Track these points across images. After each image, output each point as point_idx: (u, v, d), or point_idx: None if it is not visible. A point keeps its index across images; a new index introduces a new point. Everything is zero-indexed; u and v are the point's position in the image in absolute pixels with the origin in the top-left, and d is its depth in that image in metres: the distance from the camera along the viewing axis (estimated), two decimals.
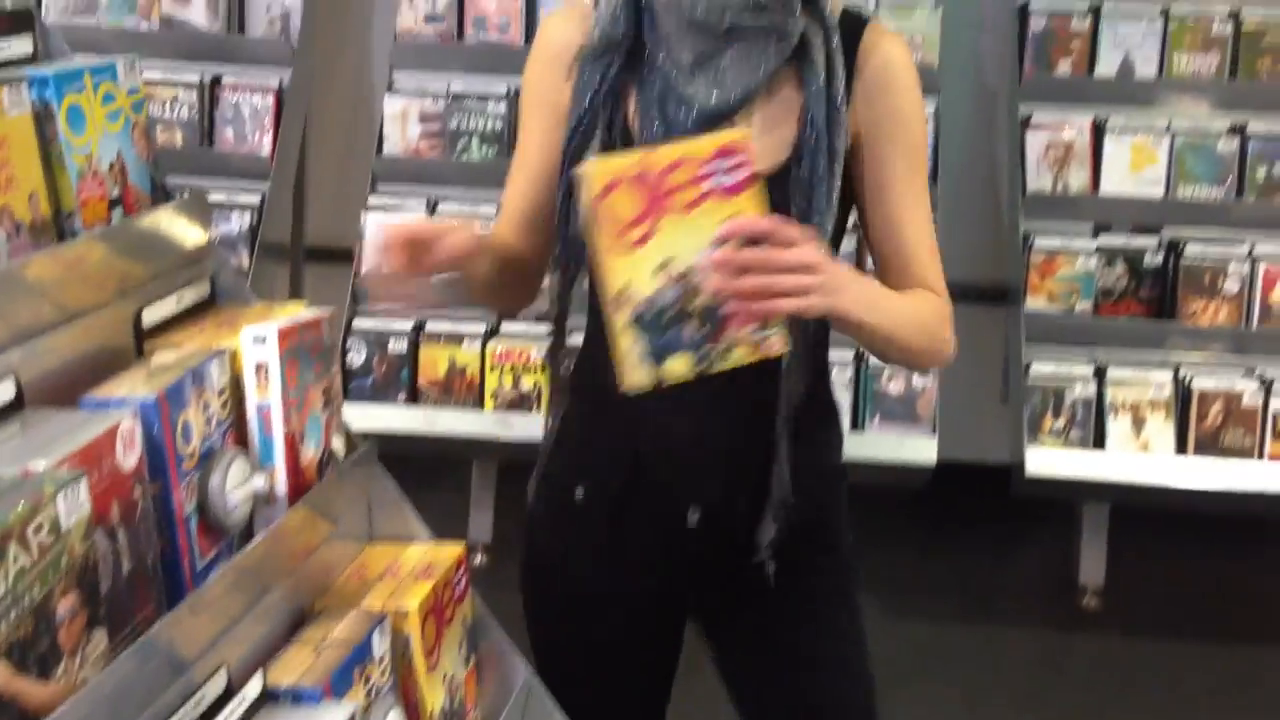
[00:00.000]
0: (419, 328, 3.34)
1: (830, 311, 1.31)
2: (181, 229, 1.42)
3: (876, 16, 1.51)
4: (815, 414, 1.55)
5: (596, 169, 1.23)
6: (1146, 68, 3.50)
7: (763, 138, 1.39)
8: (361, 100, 3.76)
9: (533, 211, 1.55)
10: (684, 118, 1.42)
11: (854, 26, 1.48)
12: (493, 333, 3.35)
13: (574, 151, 1.46)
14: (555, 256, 1.52)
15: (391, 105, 3.51)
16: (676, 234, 1.24)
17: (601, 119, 1.46)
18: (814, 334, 1.48)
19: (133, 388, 1.12)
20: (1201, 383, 3.28)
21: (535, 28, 3.49)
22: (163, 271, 1.37)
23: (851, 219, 1.55)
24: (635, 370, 1.28)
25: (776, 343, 1.29)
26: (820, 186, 1.42)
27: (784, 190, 1.42)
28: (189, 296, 1.41)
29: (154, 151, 1.46)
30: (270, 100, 3.49)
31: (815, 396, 1.54)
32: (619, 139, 1.46)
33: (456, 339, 3.32)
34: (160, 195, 1.46)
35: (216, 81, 3.51)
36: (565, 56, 1.49)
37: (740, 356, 1.28)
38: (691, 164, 1.23)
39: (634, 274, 1.26)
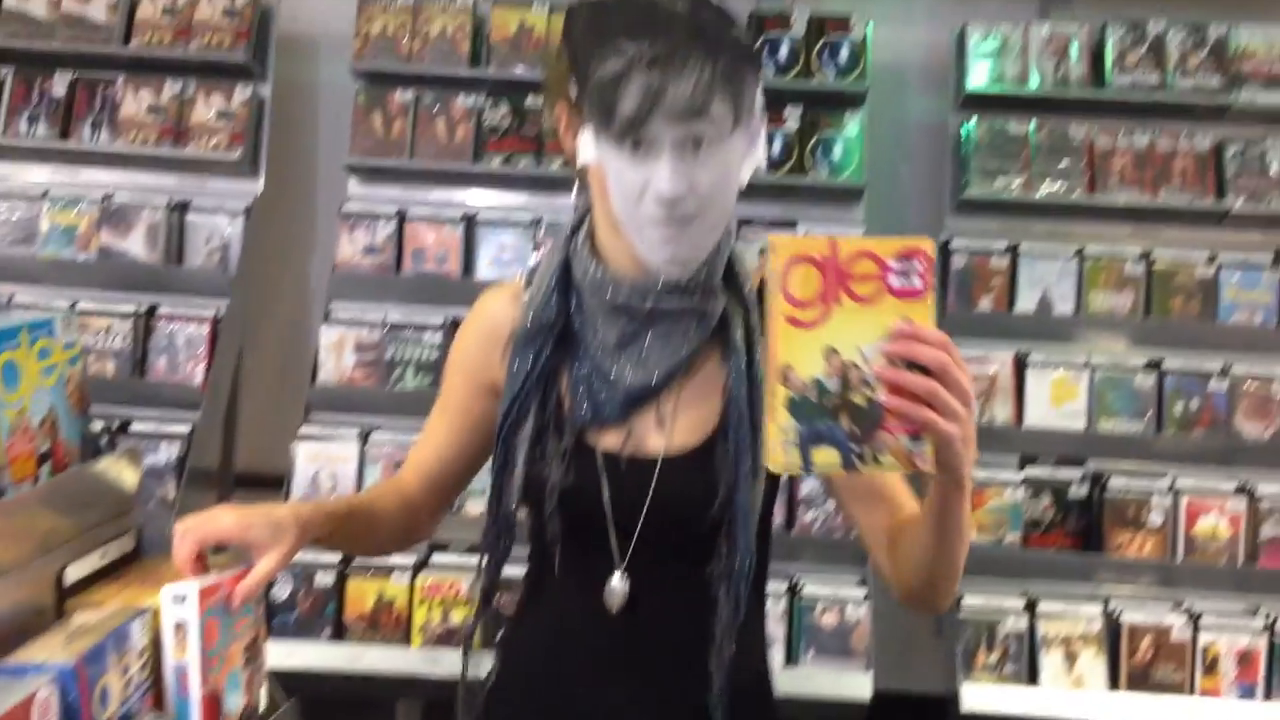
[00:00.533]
0: (347, 559, 3.32)
1: (962, 456, 1.25)
2: (110, 484, 1.45)
3: None
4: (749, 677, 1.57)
5: (786, 241, 1.24)
6: (1064, 305, 3.65)
7: (687, 413, 1.47)
8: (297, 329, 3.84)
9: (440, 471, 1.62)
10: (608, 398, 1.48)
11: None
12: (422, 565, 3.36)
13: (507, 432, 1.51)
14: (486, 533, 1.57)
15: (327, 335, 3.57)
16: (848, 324, 1.23)
17: (535, 399, 1.51)
18: (746, 615, 1.49)
19: (51, 653, 1.13)
20: (1131, 616, 3.34)
21: (474, 260, 3.65)
22: (89, 526, 1.39)
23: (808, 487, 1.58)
24: (783, 452, 1.27)
25: (928, 459, 1.26)
26: (745, 460, 1.46)
27: (710, 465, 1.47)
28: (114, 550, 1.43)
29: (87, 404, 1.49)
30: (205, 330, 3.55)
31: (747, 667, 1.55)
32: (552, 419, 1.51)
33: (385, 571, 3.32)
34: (90, 447, 1.49)
35: (152, 311, 3.58)
36: (499, 334, 1.56)
37: (889, 464, 1.26)
38: (876, 258, 1.23)
39: (801, 354, 1.26)
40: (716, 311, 1.49)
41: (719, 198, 1.41)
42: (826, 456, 1.26)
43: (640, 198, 1.39)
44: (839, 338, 1.23)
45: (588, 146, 1.42)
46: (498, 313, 1.58)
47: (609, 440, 1.49)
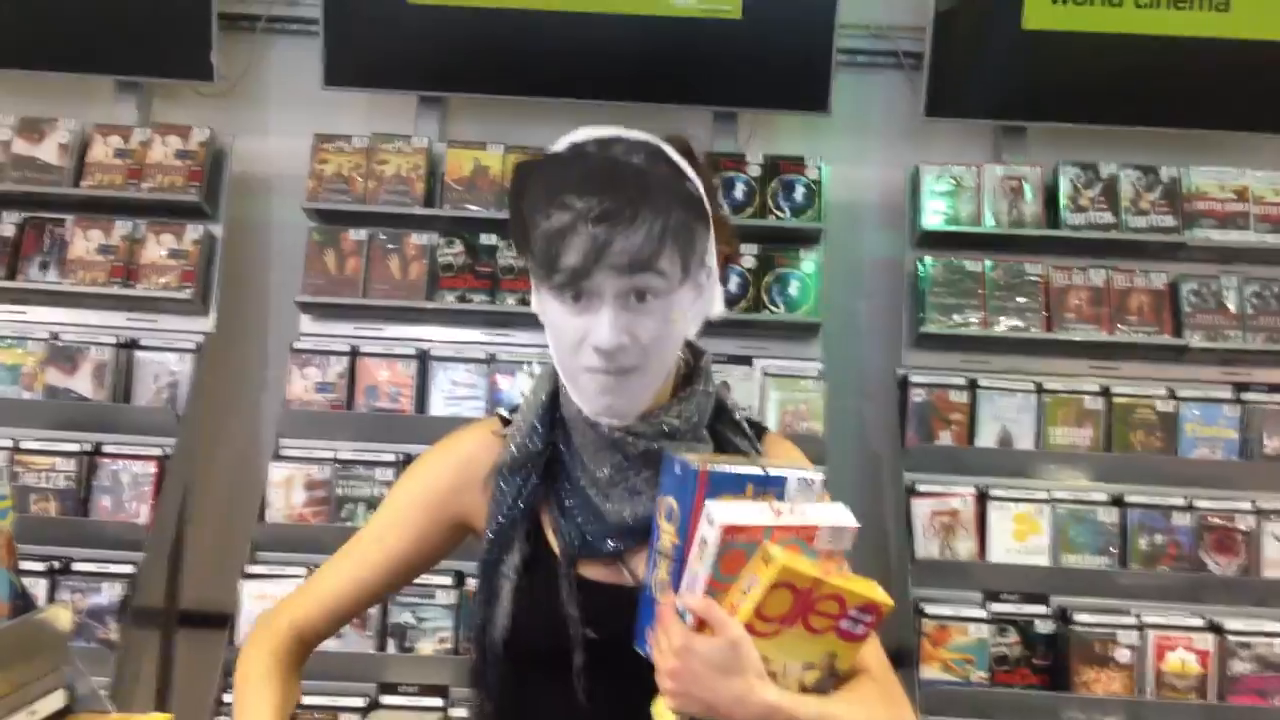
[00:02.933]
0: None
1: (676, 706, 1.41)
2: (42, 641, 1.50)
3: (769, 432, 1.68)
4: None
5: (788, 561, 1.36)
6: (1025, 439, 3.81)
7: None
8: (246, 466, 3.95)
9: (354, 603, 1.68)
10: (600, 532, 1.56)
11: (756, 434, 1.67)
12: (373, 706, 3.43)
13: (491, 564, 1.60)
14: (476, 669, 1.63)
15: (276, 472, 3.68)
16: (792, 644, 1.40)
17: (522, 529, 1.58)
18: None
19: None
20: None
21: (427, 396, 3.78)
22: (20, 684, 1.45)
23: None
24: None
25: None
26: None
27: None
28: (43, 709, 1.48)
29: (15, 561, 1.57)
30: (152, 468, 3.66)
31: None
32: (533, 550, 1.60)
33: (332, 713, 3.39)
34: (22, 603, 1.56)
35: (97, 449, 3.69)
36: (475, 469, 1.62)
37: None
38: (842, 602, 1.39)
39: None
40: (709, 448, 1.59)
41: (660, 349, 1.50)
42: None
43: (579, 347, 1.48)
44: (779, 651, 1.41)
45: (534, 297, 1.55)
46: (475, 450, 1.64)
47: (595, 572, 1.56)
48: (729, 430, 1.63)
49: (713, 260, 1.55)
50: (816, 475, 1.47)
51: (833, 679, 1.45)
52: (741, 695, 1.38)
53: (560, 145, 1.54)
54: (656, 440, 1.54)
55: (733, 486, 1.43)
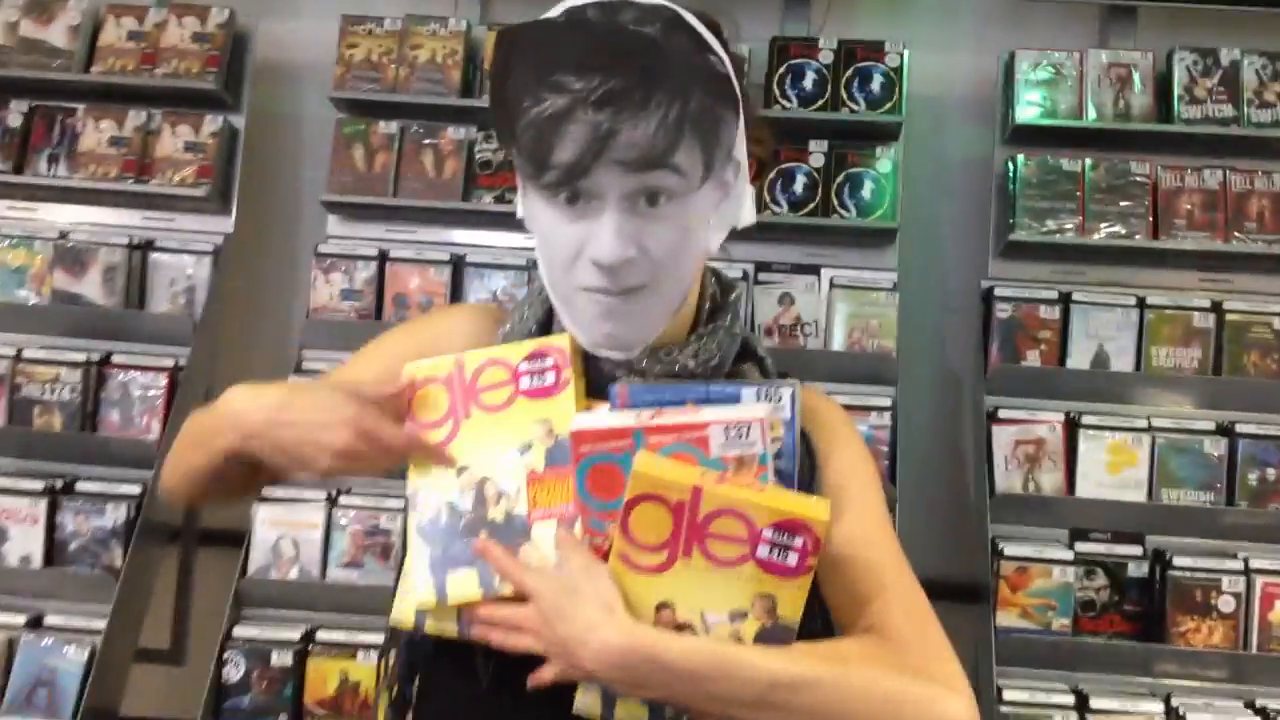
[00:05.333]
0: (308, 637, 3.36)
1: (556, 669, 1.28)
2: None
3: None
4: None
5: (645, 465, 1.23)
6: (1123, 360, 3.65)
7: None
8: (265, 381, 3.86)
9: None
10: None
11: None
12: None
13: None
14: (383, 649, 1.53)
15: None
16: (696, 582, 1.23)
17: None
18: None
19: None
20: (1197, 716, 3.28)
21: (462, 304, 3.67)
22: None
23: None
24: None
25: None
26: None
27: None
28: None
29: None
30: (163, 380, 3.62)
31: None
32: None
33: (350, 650, 3.35)
34: None
35: (106, 360, 3.65)
36: (458, 345, 1.45)
37: None
38: (749, 521, 1.21)
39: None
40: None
41: (675, 265, 1.33)
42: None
43: (574, 261, 1.31)
44: (681, 593, 1.23)
45: (519, 196, 1.38)
46: (467, 331, 1.50)
47: None
48: (751, 374, 1.47)
49: (742, 154, 1.38)
50: (788, 386, 1.33)
51: (785, 632, 1.25)
52: (579, 634, 1.24)
53: (555, 10, 1.36)
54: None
55: (661, 405, 1.30)
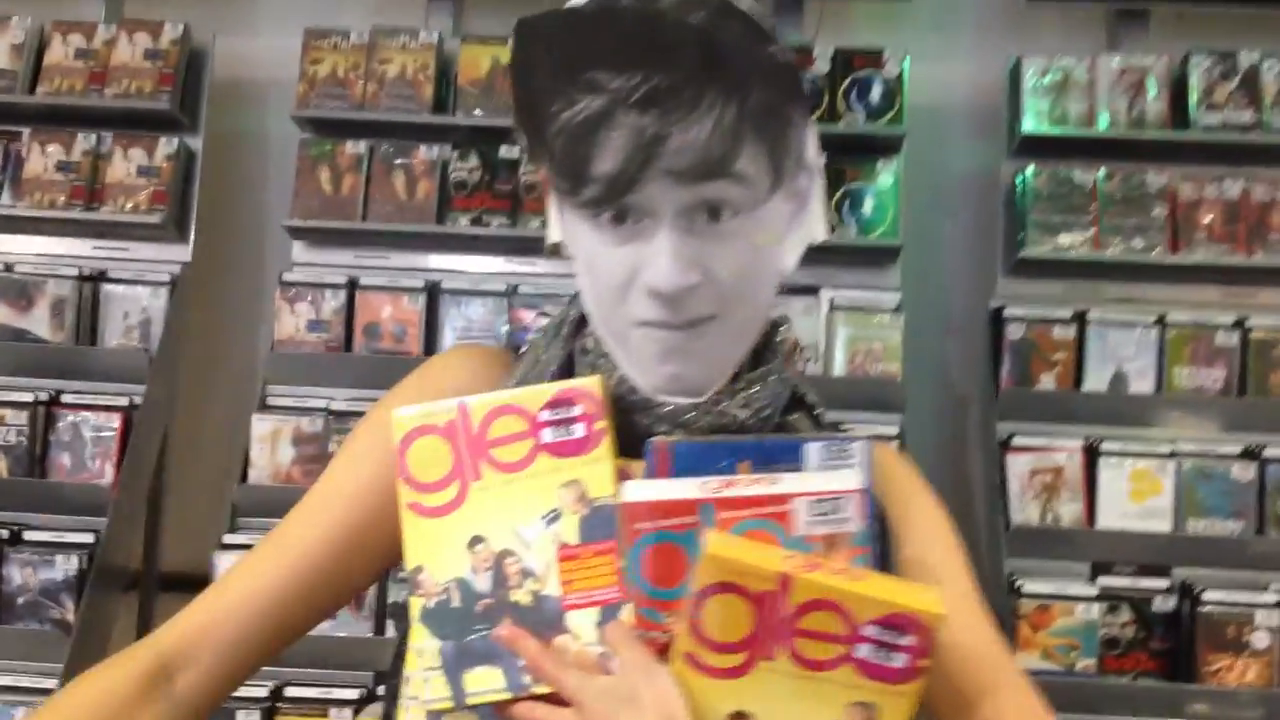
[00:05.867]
0: (277, 693, 3.22)
1: None
2: None
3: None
4: None
5: (720, 547, 1.04)
6: (1143, 382, 3.54)
7: None
8: (230, 418, 3.75)
9: (273, 611, 1.28)
10: None
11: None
12: (370, 697, 3.23)
13: None
14: None
15: (261, 425, 3.49)
16: (783, 689, 1.06)
17: None
18: None
19: None
20: None
21: (437, 335, 3.59)
22: None
23: None
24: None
25: None
26: None
27: None
28: None
29: None
30: (117, 421, 3.47)
31: None
32: None
33: (321, 707, 3.21)
34: None
35: (55, 399, 3.51)
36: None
37: None
38: (847, 615, 1.05)
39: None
40: None
41: (747, 291, 1.16)
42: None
43: (625, 292, 1.15)
44: (764, 703, 1.06)
45: (553, 216, 1.21)
46: (471, 378, 1.29)
47: None
48: (802, 425, 1.28)
49: (814, 155, 1.22)
50: (857, 442, 1.13)
51: None
52: None
53: None
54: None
55: (710, 466, 1.10)
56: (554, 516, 1.13)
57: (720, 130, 1.09)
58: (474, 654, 1.12)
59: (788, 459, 1.11)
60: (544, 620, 1.12)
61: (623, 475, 1.14)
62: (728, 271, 1.13)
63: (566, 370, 1.26)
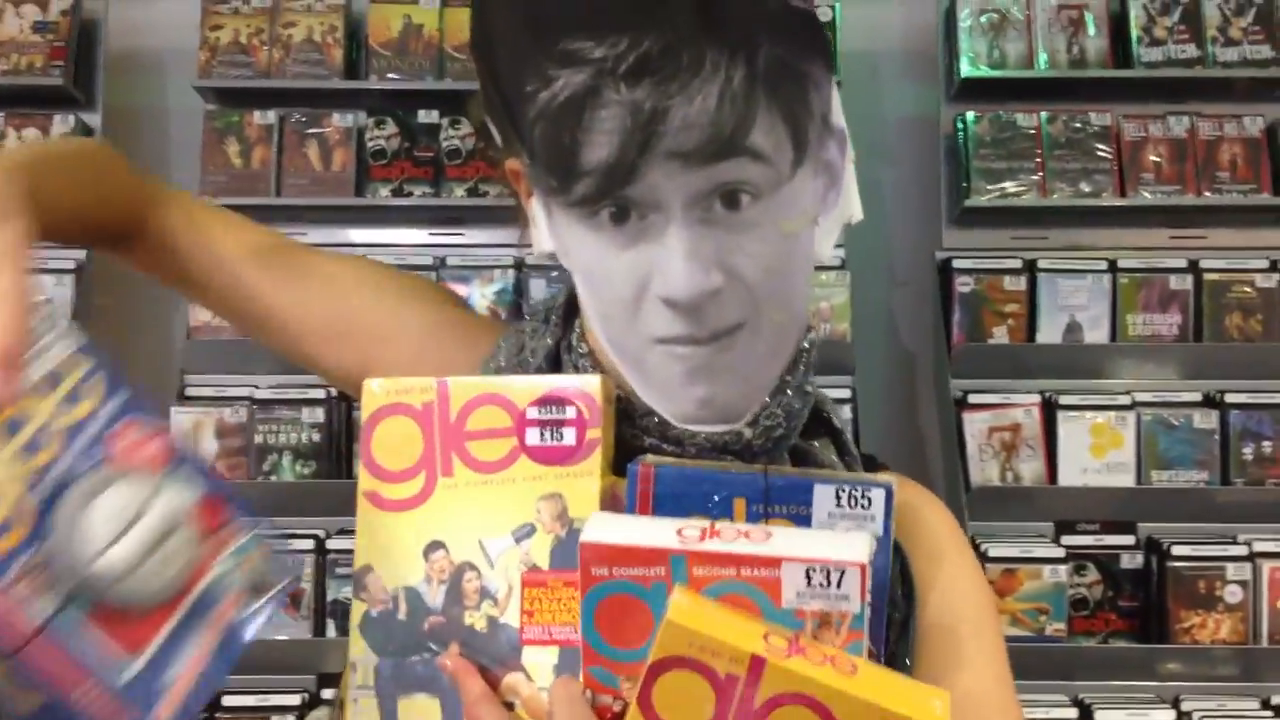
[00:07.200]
0: (214, 704, 3.12)
1: None
2: None
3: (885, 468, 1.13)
4: None
5: (684, 615, 0.85)
6: (1097, 332, 3.50)
7: None
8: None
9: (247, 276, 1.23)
10: None
11: (868, 468, 1.18)
12: (313, 701, 3.17)
13: None
14: None
15: (181, 418, 3.37)
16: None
17: None
18: None
19: None
20: None
21: None
22: None
23: None
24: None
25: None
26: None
27: None
28: None
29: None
30: None
31: None
32: None
33: (261, 715, 3.13)
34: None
35: None
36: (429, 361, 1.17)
37: None
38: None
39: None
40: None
41: (781, 287, 0.98)
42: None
43: (636, 305, 0.97)
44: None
45: (540, 221, 1.01)
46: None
47: None
48: (825, 453, 1.11)
49: (840, 119, 1.01)
50: (880, 486, 0.94)
51: None
52: None
53: None
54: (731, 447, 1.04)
55: (700, 501, 0.94)
56: (526, 532, 0.98)
57: (729, 98, 0.90)
58: (413, 679, 0.97)
59: (794, 500, 0.94)
60: (497, 652, 0.96)
61: (612, 497, 0.99)
62: (755, 268, 0.95)
63: (553, 366, 1.10)
